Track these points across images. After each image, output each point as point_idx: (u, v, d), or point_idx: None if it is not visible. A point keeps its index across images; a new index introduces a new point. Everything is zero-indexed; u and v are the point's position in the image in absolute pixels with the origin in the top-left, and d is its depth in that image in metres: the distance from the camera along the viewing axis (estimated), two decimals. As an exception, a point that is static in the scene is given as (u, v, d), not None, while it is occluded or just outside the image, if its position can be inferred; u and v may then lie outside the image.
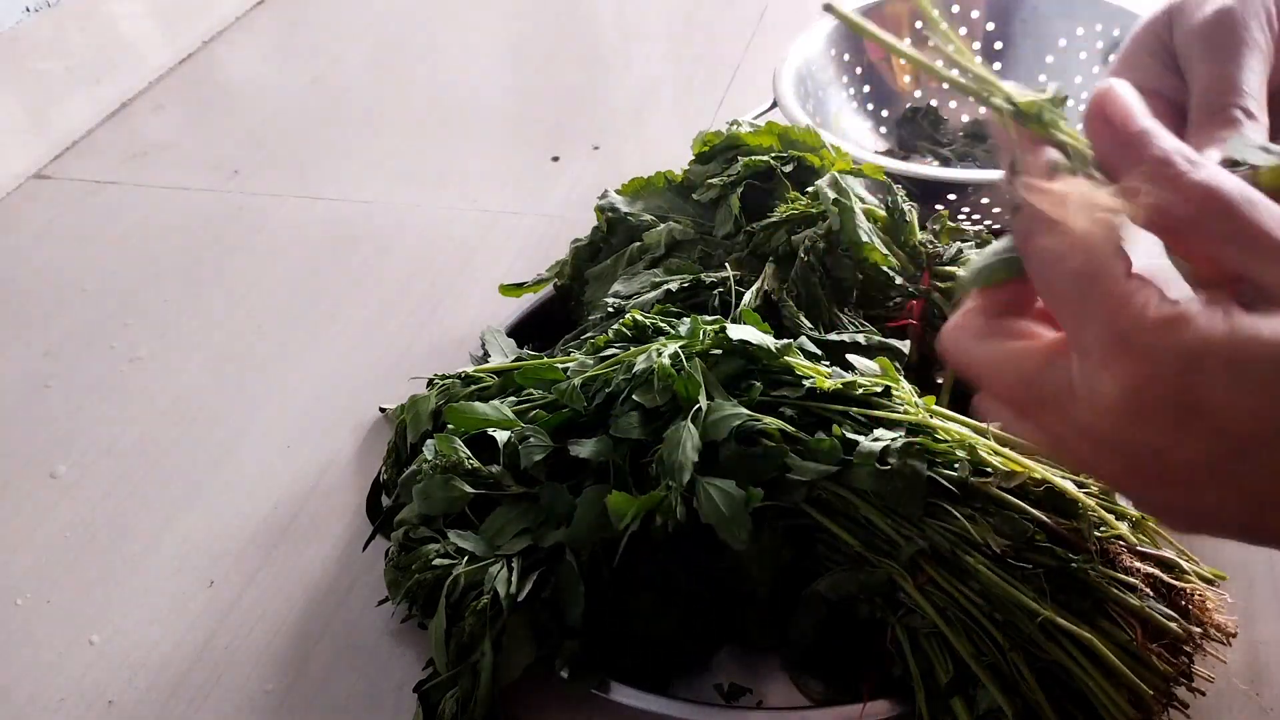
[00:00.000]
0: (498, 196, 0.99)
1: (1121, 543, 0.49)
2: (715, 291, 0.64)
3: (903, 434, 0.51)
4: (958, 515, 0.49)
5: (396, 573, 0.57)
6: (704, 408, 0.52)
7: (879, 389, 0.54)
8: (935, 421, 0.52)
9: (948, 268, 0.64)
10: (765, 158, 0.69)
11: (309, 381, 0.80)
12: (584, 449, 0.54)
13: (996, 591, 0.47)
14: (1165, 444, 0.32)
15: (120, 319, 0.88)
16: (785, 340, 0.56)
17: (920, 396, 0.54)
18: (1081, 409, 0.33)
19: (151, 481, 0.72)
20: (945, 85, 0.52)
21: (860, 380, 0.54)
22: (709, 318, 0.58)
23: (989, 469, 0.50)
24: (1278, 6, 0.41)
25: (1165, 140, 0.33)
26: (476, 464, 0.57)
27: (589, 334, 0.65)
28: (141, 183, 1.06)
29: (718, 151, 0.73)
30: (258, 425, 0.76)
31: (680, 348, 0.55)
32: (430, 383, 0.66)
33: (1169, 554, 0.50)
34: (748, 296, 0.62)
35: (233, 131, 1.15)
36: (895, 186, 0.67)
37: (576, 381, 0.56)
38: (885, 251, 0.63)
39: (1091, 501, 0.50)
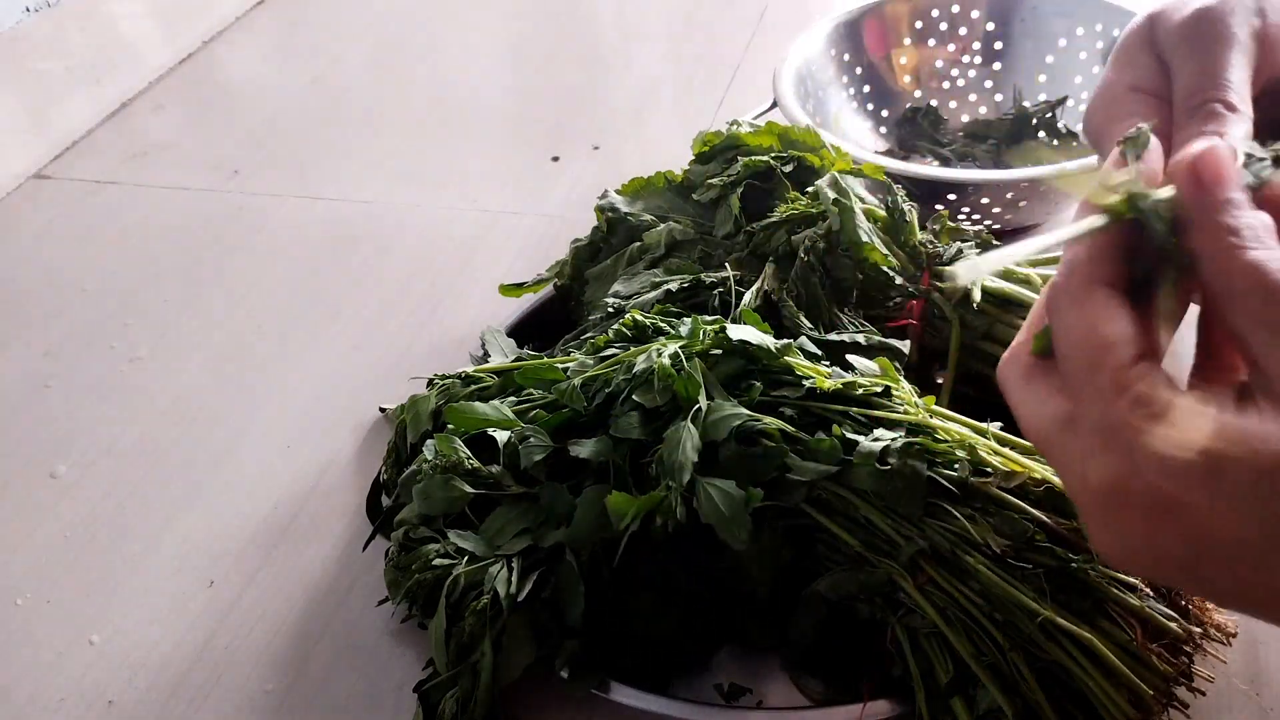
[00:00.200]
0: (498, 196, 0.99)
1: (1121, 543, 0.49)
2: (715, 291, 0.64)
3: (903, 434, 0.51)
4: (958, 515, 0.49)
5: (396, 573, 0.57)
6: (704, 408, 0.52)
7: (879, 389, 0.54)
8: (935, 421, 0.52)
9: (948, 268, 0.64)
10: (765, 158, 0.69)
11: (309, 381, 0.80)
12: (584, 449, 0.54)
13: (996, 591, 0.47)
14: (1142, 538, 0.32)
15: (120, 319, 0.88)
16: (785, 340, 0.56)
17: (920, 396, 0.54)
18: (1075, 485, 0.34)
19: (151, 481, 0.72)
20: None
21: (860, 380, 0.54)
22: (709, 318, 0.58)
23: (989, 469, 0.50)
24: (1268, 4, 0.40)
25: (1244, 214, 0.32)
26: (476, 464, 0.57)
27: (589, 334, 0.65)
28: (141, 183, 1.07)
29: (718, 151, 0.73)
30: (258, 425, 0.76)
31: (680, 348, 0.55)
32: (430, 383, 0.66)
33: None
34: (748, 296, 0.62)
35: (233, 131, 1.15)
36: (895, 186, 0.67)
37: (576, 381, 0.56)
38: (885, 251, 0.63)
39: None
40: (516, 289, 0.76)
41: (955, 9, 0.94)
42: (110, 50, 1.33)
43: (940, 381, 0.62)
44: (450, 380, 0.65)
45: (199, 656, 0.61)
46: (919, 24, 0.95)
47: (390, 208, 0.99)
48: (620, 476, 0.53)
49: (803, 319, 0.61)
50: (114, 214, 1.02)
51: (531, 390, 0.61)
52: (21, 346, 0.86)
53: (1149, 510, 0.31)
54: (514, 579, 0.52)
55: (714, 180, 0.70)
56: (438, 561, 0.54)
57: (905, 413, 0.53)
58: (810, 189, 0.66)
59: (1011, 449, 0.51)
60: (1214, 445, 0.30)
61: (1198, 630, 0.48)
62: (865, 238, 0.62)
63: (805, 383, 0.54)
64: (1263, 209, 0.32)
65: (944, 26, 0.95)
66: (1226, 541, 0.30)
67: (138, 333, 0.86)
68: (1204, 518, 0.30)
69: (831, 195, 0.64)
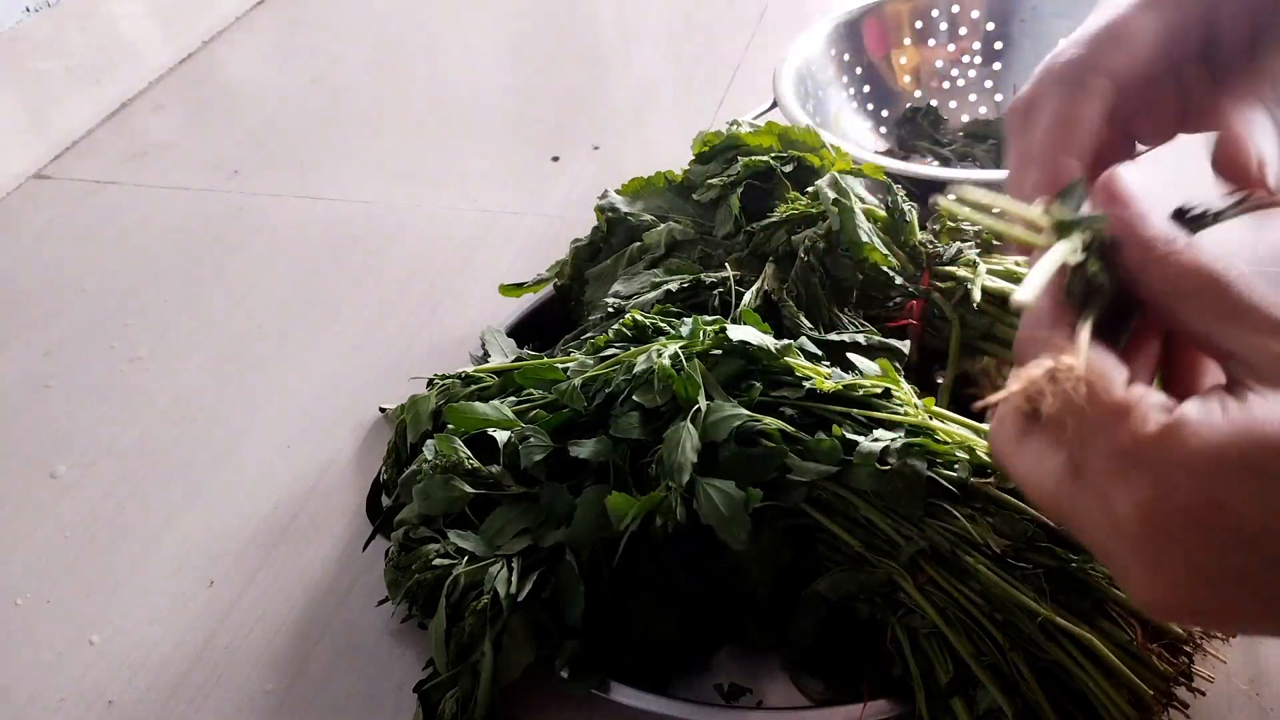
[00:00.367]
0: (498, 196, 0.99)
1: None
2: (715, 291, 0.64)
3: (903, 434, 0.51)
4: (958, 515, 0.49)
5: (396, 573, 0.57)
6: (704, 408, 0.52)
7: (879, 389, 0.54)
8: (935, 422, 0.52)
9: (948, 268, 0.64)
10: (765, 158, 0.69)
11: (309, 381, 0.80)
12: (584, 449, 0.54)
13: (996, 591, 0.47)
14: (1194, 560, 0.30)
15: (120, 319, 0.88)
16: (785, 340, 0.56)
17: (920, 397, 0.54)
18: (1104, 533, 0.31)
19: (151, 481, 0.72)
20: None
21: (860, 381, 0.54)
22: (709, 318, 0.58)
23: (989, 469, 0.50)
24: None
25: (1157, 223, 0.33)
26: (476, 464, 0.57)
27: (589, 334, 0.65)
28: (141, 183, 1.07)
29: (718, 151, 0.73)
30: (258, 425, 0.76)
31: (680, 348, 0.55)
32: (430, 383, 0.66)
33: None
34: (748, 297, 0.62)
35: (233, 131, 1.15)
36: (895, 186, 0.67)
37: (576, 381, 0.56)
38: (885, 251, 0.63)
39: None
40: (516, 289, 0.76)
41: (955, 9, 0.94)
42: (110, 50, 1.33)
43: (940, 381, 0.62)
44: (450, 380, 0.65)
45: (199, 656, 0.61)
46: (919, 24, 0.95)
47: (390, 208, 0.99)
48: (620, 477, 0.53)
49: (803, 319, 0.61)
50: (114, 214, 1.02)
51: (531, 390, 0.61)
52: (21, 346, 0.86)
53: (1194, 524, 0.29)
54: (514, 579, 0.52)
55: (714, 180, 0.70)
56: (438, 561, 0.54)
57: (905, 413, 0.53)
58: (810, 189, 0.66)
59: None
60: (1235, 437, 0.29)
61: (1198, 630, 0.48)
62: (865, 238, 0.63)
63: (805, 383, 0.54)
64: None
65: (944, 26, 0.95)
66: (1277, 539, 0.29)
67: (138, 333, 0.86)
68: (1254, 510, 0.29)
69: (831, 195, 0.64)
